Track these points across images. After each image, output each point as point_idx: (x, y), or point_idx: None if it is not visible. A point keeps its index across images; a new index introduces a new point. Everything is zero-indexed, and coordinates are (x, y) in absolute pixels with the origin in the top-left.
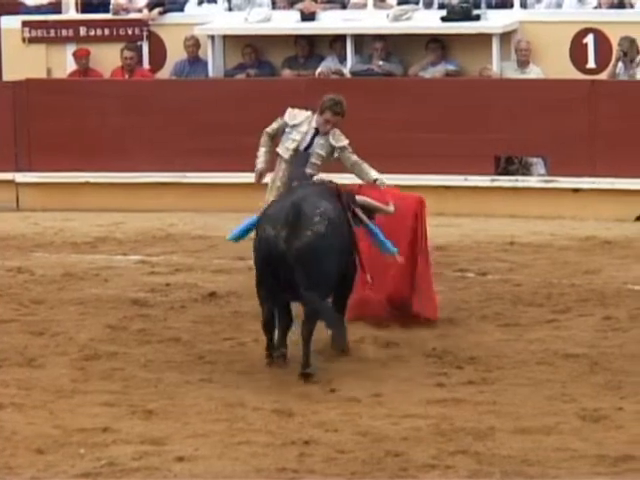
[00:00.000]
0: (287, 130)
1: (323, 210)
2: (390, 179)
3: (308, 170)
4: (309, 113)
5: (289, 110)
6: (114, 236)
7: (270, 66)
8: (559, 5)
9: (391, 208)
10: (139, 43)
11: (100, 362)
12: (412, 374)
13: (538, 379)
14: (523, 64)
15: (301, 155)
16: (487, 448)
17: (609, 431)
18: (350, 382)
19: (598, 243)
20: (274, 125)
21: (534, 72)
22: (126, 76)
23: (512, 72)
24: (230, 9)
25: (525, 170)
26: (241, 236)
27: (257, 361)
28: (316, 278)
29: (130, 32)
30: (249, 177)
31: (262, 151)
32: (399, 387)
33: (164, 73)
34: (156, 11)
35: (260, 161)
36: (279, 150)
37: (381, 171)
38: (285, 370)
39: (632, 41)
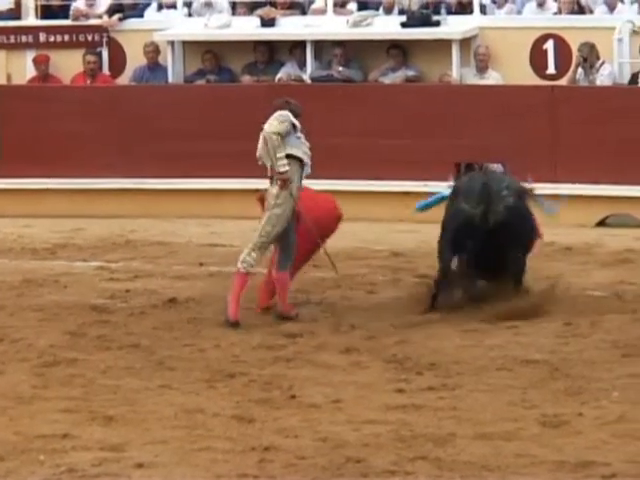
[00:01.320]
0: (297, 135)
1: (508, 184)
2: (350, 185)
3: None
4: None
5: (288, 113)
6: (74, 242)
7: (230, 72)
8: (519, 11)
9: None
10: (99, 49)
11: (60, 368)
12: (372, 380)
13: (498, 385)
14: (482, 69)
15: None
16: (447, 454)
17: (569, 437)
18: (310, 388)
19: (559, 249)
20: (282, 127)
21: (493, 77)
22: (88, 81)
23: (472, 78)
24: (190, 15)
25: None
26: (428, 207)
27: (217, 367)
28: (515, 242)
29: (90, 38)
30: (208, 183)
31: (284, 153)
32: (359, 393)
33: (124, 79)
34: (116, 17)
35: (286, 163)
36: (297, 153)
37: (341, 177)
38: (248, 377)
39: (592, 47)
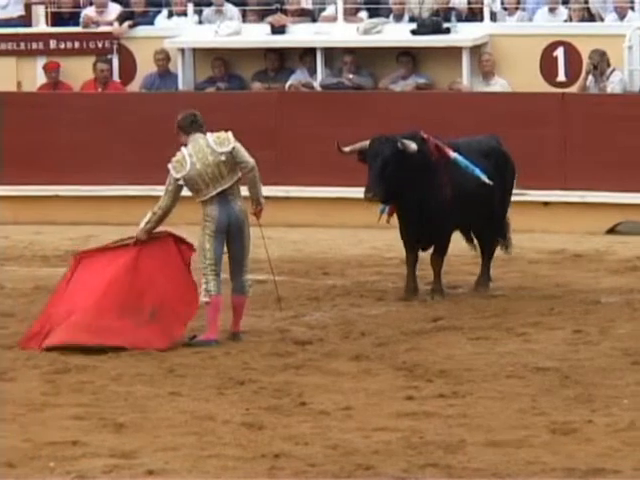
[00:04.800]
0: None
1: None
2: (360, 192)
3: None
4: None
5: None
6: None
7: (240, 79)
8: (530, 18)
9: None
10: (109, 56)
11: (70, 375)
12: (382, 387)
13: (509, 392)
14: (487, 75)
15: None
16: (458, 461)
17: (579, 444)
18: (320, 395)
19: (568, 256)
20: None
21: (499, 84)
22: (99, 89)
23: (478, 85)
24: (200, 22)
25: None
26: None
27: (227, 374)
28: None
29: (100, 45)
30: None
31: None
32: (369, 400)
33: (134, 86)
34: (126, 24)
35: None
36: None
37: (352, 184)
38: (257, 384)
39: (602, 54)
